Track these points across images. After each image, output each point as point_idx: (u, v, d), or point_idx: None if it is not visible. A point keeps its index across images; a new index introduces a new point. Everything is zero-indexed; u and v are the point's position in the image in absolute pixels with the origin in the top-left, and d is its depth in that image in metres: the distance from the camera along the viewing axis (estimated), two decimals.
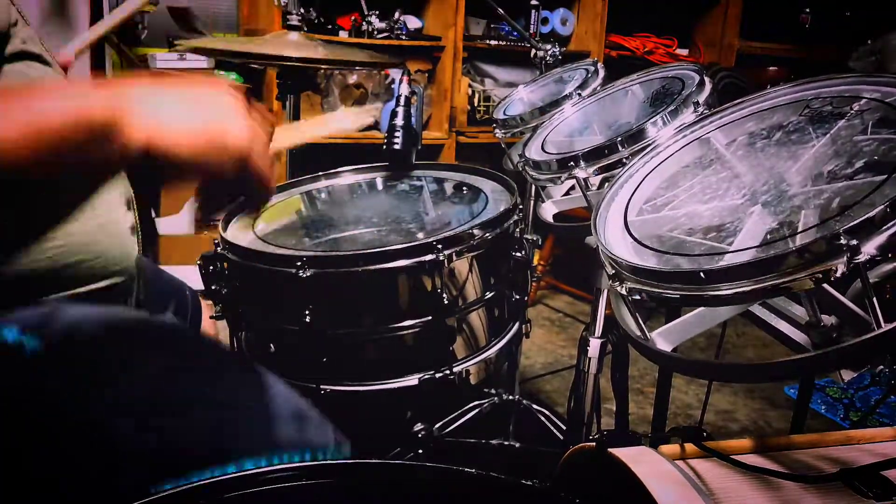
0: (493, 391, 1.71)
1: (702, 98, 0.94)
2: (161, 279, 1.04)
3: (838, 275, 0.51)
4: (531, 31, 2.96)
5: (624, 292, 0.66)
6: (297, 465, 0.51)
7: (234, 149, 0.61)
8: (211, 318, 1.19)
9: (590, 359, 1.21)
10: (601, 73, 1.30)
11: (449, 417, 1.61)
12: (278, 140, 0.73)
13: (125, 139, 0.57)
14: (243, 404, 0.74)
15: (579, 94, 1.24)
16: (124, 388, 0.69)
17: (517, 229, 1.20)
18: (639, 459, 0.65)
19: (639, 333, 0.71)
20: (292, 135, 0.84)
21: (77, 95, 0.59)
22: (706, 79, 0.98)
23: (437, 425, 1.52)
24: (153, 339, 0.76)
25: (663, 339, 0.72)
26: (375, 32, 2.73)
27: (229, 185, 0.67)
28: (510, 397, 1.71)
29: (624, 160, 0.92)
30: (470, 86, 3.01)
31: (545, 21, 3.12)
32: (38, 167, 0.55)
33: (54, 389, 0.67)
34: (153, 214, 2.65)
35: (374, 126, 2.86)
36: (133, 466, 0.66)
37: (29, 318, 0.70)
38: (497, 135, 1.37)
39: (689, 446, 0.71)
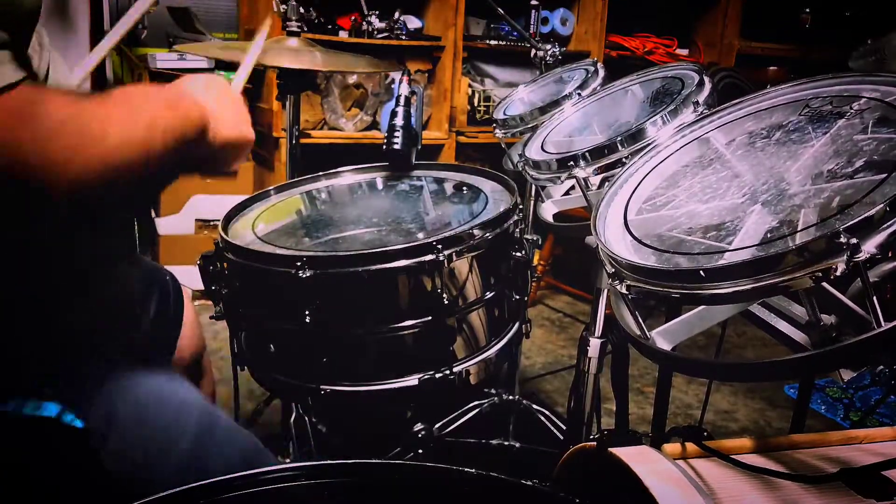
0: (493, 391, 1.71)
1: (701, 98, 0.94)
2: (142, 268, 1.04)
3: (838, 273, 0.51)
4: (531, 31, 2.96)
5: (624, 291, 0.66)
6: (297, 465, 0.51)
7: (246, 147, 0.79)
8: (211, 317, 1.19)
9: (590, 359, 1.21)
10: (601, 73, 1.30)
11: (449, 417, 1.61)
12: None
13: (207, 137, 0.72)
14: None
15: (579, 94, 1.24)
16: (157, 468, 0.72)
17: (517, 229, 1.20)
18: (639, 459, 0.65)
19: (639, 333, 0.71)
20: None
21: (171, 101, 0.69)
22: (706, 78, 0.98)
23: (437, 425, 1.52)
24: (184, 420, 0.77)
25: (663, 338, 0.72)
26: (375, 32, 2.73)
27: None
28: (510, 397, 1.70)
29: (624, 160, 0.92)
30: (470, 86, 3.01)
31: (545, 21, 3.12)
32: (159, 170, 0.64)
33: (93, 465, 0.70)
34: (153, 214, 2.65)
35: (374, 126, 2.86)
36: None
37: (70, 395, 0.72)
38: (497, 135, 1.37)
39: (690, 446, 0.71)
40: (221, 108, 0.74)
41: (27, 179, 0.52)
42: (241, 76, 0.95)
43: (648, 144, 0.90)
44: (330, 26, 2.71)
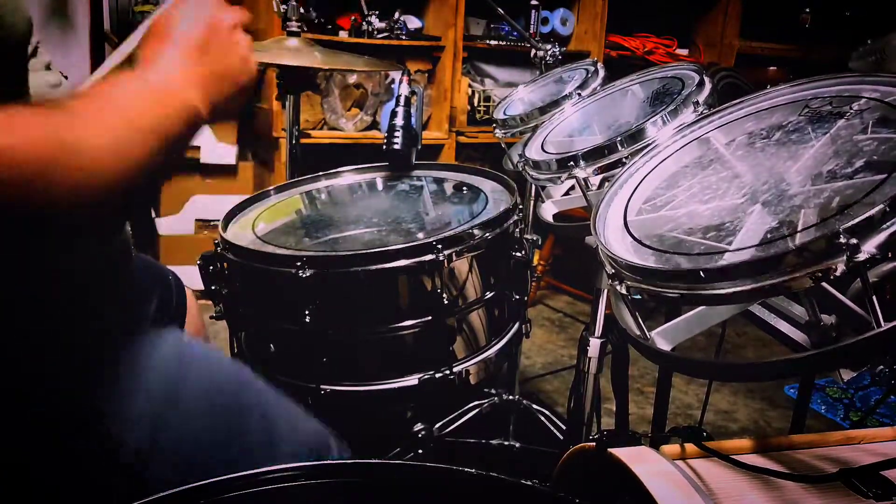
0: (493, 391, 1.71)
1: (701, 98, 0.94)
2: (144, 267, 1.04)
3: (838, 274, 0.51)
4: (531, 31, 2.96)
5: (623, 291, 0.66)
6: (297, 465, 0.51)
7: (249, 81, 0.71)
8: (211, 317, 1.19)
9: (590, 359, 1.21)
10: (601, 73, 1.30)
11: (449, 417, 1.61)
12: None
13: (199, 113, 0.64)
14: (247, 415, 0.76)
15: (579, 94, 1.24)
16: (133, 399, 0.71)
17: (517, 229, 1.20)
18: (639, 459, 0.65)
19: (638, 333, 0.71)
20: None
21: (154, 87, 0.62)
22: (706, 79, 0.98)
23: (437, 425, 1.52)
24: (160, 353, 0.77)
25: (663, 338, 0.72)
26: (375, 32, 2.72)
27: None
28: (510, 397, 1.70)
29: (624, 160, 0.92)
30: (470, 86, 3.01)
31: (545, 21, 3.12)
32: (149, 165, 0.58)
33: (114, 436, 0.69)
34: (153, 214, 2.65)
35: (374, 126, 2.86)
36: (136, 474, 0.67)
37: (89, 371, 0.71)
38: (497, 135, 1.37)
39: (689, 446, 0.71)
40: (210, 62, 0.66)
41: (7, 205, 0.48)
42: None
43: (648, 145, 0.90)
44: (330, 26, 2.71)
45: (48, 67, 0.86)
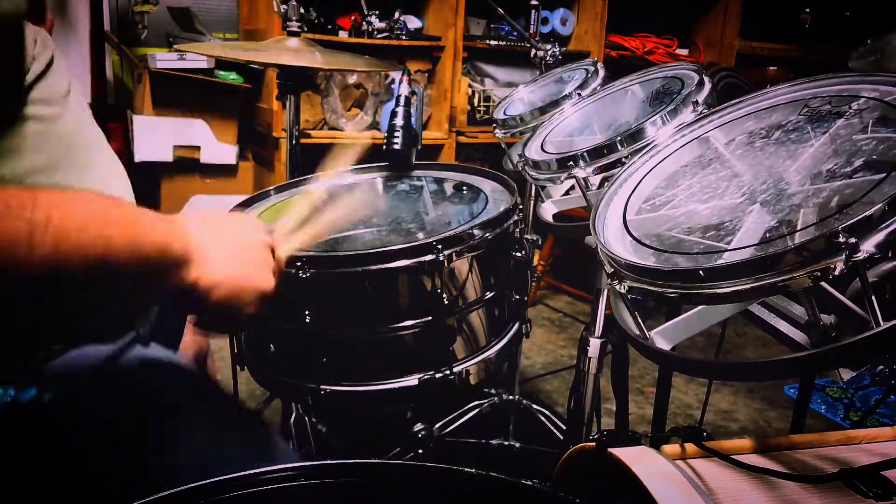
0: (493, 391, 1.71)
1: (701, 97, 0.94)
2: None
3: (837, 273, 0.51)
4: (531, 31, 2.96)
5: (623, 291, 0.66)
6: (297, 465, 0.51)
7: (254, 300, 0.68)
8: None
9: (590, 359, 1.21)
10: (601, 72, 1.30)
11: (449, 417, 1.61)
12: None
13: (185, 275, 0.63)
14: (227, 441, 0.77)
15: (579, 94, 1.24)
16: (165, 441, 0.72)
17: (517, 229, 1.20)
18: (639, 459, 0.65)
19: (638, 333, 0.71)
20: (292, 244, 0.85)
21: (157, 227, 0.62)
22: (706, 78, 0.98)
23: (437, 425, 1.52)
24: (190, 395, 0.79)
25: (663, 338, 0.72)
26: (375, 32, 2.73)
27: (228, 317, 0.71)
28: (510, 397, 1.70)
29: (623, 159, 0.92)
30: (470, 86, 3.01)
31: (545, 21, 3.12)
32: (99, 278, 0.57)
33: (109, 441, 0.70)
34: None
35: (374, 126, 2.85)
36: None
37: (85, 377, 0.73)
38: (497, 135, 1.37)
39: (689, 446, 0.71)
40: (217, 249, 0.66)
41: None
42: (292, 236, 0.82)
43: (648, 144, 0.90)
44: (330, 26, 2.71)
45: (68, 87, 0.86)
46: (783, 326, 0.75)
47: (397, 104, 1.40)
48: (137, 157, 2.48)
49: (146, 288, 0.64)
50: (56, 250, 0.52)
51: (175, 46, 2.51)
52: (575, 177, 0.96)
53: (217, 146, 2.59)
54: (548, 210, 1.23)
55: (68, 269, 0.54)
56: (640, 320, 0.71)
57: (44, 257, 0.52)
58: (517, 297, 1.22)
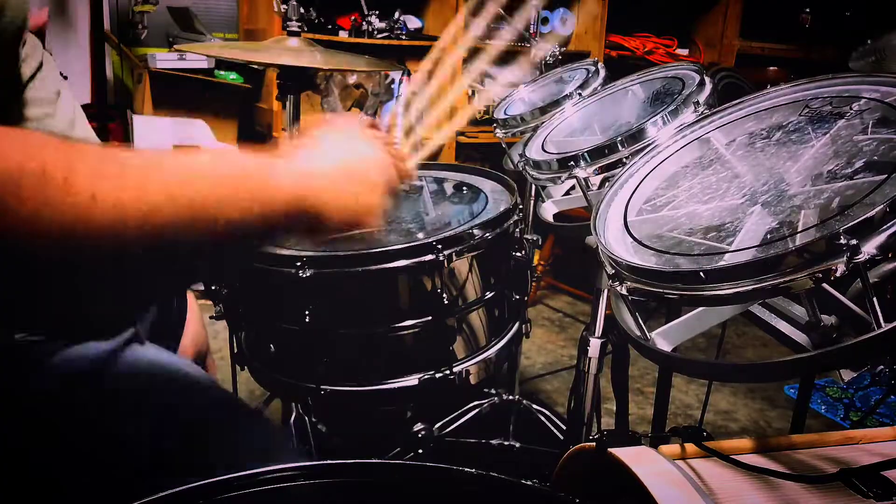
0: (493, 391, 1.71)
1: (702, 98, 0.94)
2: None
3: (838, 274, 0.51)
4: (531, 31, 2.96)
5: (624, 292, 0.66)
6: (297, 465, 0.51)
7: (375, 216, 0.67)
8: (211, 318, 1.19)
9: (590, 359, 1.21)
10: (602, 72, 1.30)
11: (449, 417, 1.61)
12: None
13: (309, 222, 0.60)
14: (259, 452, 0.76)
15: (580, 94, 1.24)
16: (162, 435, 0.72)
17: (517, 229, 1.20)
18: (639, 459, 0.65)
19: (639, 333, 0.71)
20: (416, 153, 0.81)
21: (284, 182, 0.58)
22: (706, 79, 0.98)
23: (437, 425, 1.52)
24: (188, 391, 0.78)
25: (663, 338, 0.72)
26: (375, 32, 2.72)
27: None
28: (510, 397, 1.70)
29: (624, 160, 0.92)
30: (470, 86, 3.01)
31: (545, 21, 3.12)
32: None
33: (108, 435, 0.70)
34: None
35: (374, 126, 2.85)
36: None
37: (85, 370, 0.72)
38: (497, 135, 1.37)
39: (689, 446, 0.71)
40: (341, 184, 0.63)
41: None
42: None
43: (649, 145, 0.90)
44: (330, 26, 2.71)
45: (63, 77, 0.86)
46: (784, 327, 0.75)
47: (397, 104, 1.39)
48: None
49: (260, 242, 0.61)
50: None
51: (175, 46, 2.51)
52: (576, 177, 0.96)
53: (217, 146, 2.58)
54: (548, 210, 1.23)
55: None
56: (640, 321, 0.71)
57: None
58: (517, 297, 1.22)
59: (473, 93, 3.01)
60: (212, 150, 0.56)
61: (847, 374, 2.25)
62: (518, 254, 1.19)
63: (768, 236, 0.61)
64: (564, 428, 1.54)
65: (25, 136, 0.48)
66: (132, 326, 0.81)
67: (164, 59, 2.49)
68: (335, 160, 0.64)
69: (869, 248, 0.51)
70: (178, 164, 0.53)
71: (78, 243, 0.46)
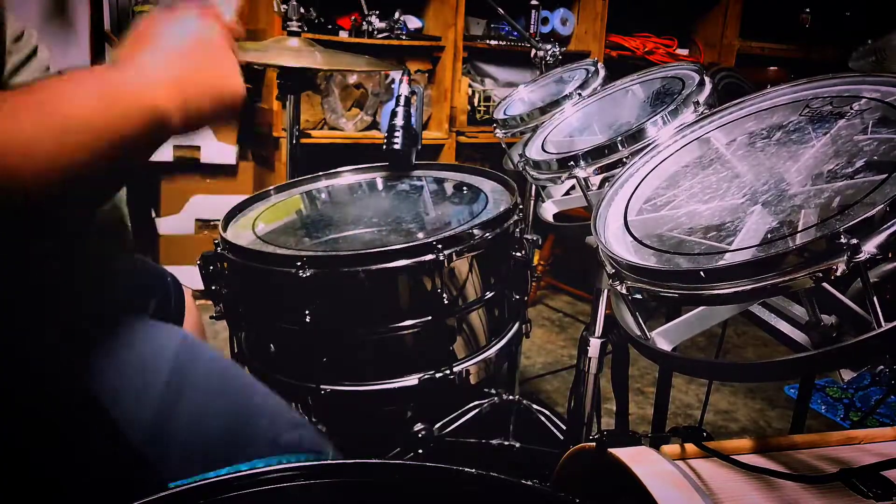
0: (493, 391, 1.71)
1: (702, 98, 0.94)
2: (142, 269, 1.04)
3: (838, 274, 0.51)
4: (531, 31, 2.96)
5: (624, 292, 0.66)
6: (297, 465, 0.51)
7: (237, 96, 0.65)
8: (211, 317, 1.19)
9: (590, 359, 1.21)
10: (602, 72, 1.30)
11: (449, 417, 1.61)
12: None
13: (167, 119, 0.58)
14: (251, 415, 0.76)
15: (579, 94, 1.24)
16: (140, 393, 0.72)
17: (517, 229, 1.20)
18: (639, 459, 0.65)
19: (639, 333, 0.71)
20: None
21: (114, 86, 0.56)
22: (706, 78, 0.98)
23: (437, 425, 1.52)
24: (167, 350, 0.78)
25: (663, 338, 0.72)
26: (375, 32, 2.73)
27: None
28: (510, 397, 1.70)
29: (624, 160, 0.92)
30: (470, 86, 3.01)
31: (545, 21, 3.12)
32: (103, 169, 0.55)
33: (113, 428, 0.69)
34: (153, 214, 2.65)
35: (374, 126, 2.85)
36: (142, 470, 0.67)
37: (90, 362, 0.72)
38: (497, 135, 1.37)
39: (689, 446, 0.71)
40: (193, 71, 0.61)
41: None
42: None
43: (649, 144, 0.90)
44: (330, 26, 2.72)
45: (47, 69, 0.86)
46: (784, 327, 0.75)
47: (397, 104, 1.40)
48: None
49: (140, 151, 0.59)
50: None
51: None
52: (576, 177, 0.96)
53: (217, 146, 2.58)
54: (548, 210, 1.22)
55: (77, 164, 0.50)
56: (640, 321, 0.71)
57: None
58: (517, 297, 1.22)
59: (474, 92, 3.02)
60: (77, 73, 0.57)
61: (847, 374, 2.25)
62: (518, 254, 1.19)
63: (768, 236, 0.61)
64: (564, 428, 1.54)
65: None
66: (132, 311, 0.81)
67: None
68: (178, 49, 0.62)
69: (869, 247, 0.51)
70: (52, 92, 0.53)
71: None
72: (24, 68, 0.75)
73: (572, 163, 0.96)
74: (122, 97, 0.56)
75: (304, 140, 1.68)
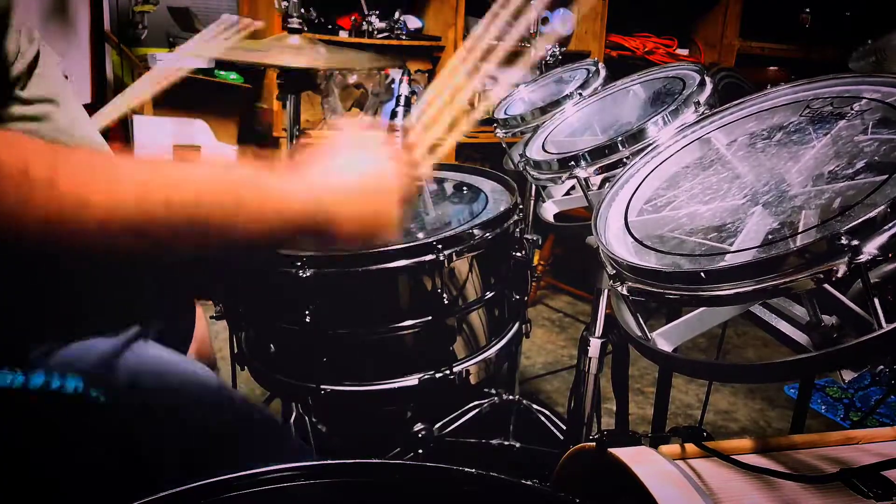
0: (493, 391, 1.71)
1: (702, 98, 0.94)
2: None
3: (839, 275, 0.51)
4: (531, 31, 2.95)
5: (624, 292, 0.66)
6: (297, 465, 0.51)
7: (391, 229, 0.66)
8: (211, 317, 1.19)
9: (590, 359, 1.21)
10: (602, 72, 1.30)
11: (449, 417, 1.61)
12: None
13: (321, 235, 0.61)
14: (265, 451, 0.78)
15: (580, 94, 1.24)
16: (170, 434, 0.73)
17: (517, 229, 1.20)
18: (639, 459, 0.65)
19: (639, 333, 0.71)
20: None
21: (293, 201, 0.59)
22: (707, 79, 0.98)
23: (437, 425, 1.52)
24: (195, 389, 0.79)
25: (664, 339, 0.72)
26: (375, 32, 2.72)
27: None
28: (510, 397, 1.70)
29: (625, 160, 0.92)
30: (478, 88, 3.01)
31: (545, 21, 3.12)
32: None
33: (115, 433, 0.70)
34: None
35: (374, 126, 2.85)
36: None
37: (92, 367, 0.72)
38: (497, 135, 1.37)
39: (689, 446, 0.71)
40: (351, 202, 0.62)
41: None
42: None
43: (649, 145, 0.90)
44: (330, 26, 2.71)
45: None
46: (784, 327, 0.74)
47: (397, 104, 1.39)
48: None
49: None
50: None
51: (175, 47, 2.51)
52: (576, 177, 0.96)
53: (217, 146, 2.58)
54: (549, 210, 1.22)
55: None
56: (641, 321, 0.71)
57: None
58: (517, 297, 1.22)
59: (478, 94, 3.01)
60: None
61: (848, 375, 2.25)
62: (518, 254, 1.19)
63: (769, 237, 0.61)
64: (564, 428, 1.54)
65: (11, 138, 0.50)
66: (136, 324, 0.81)
67: (164, 59, 2.48)
68: (349, 174, 0.64)
69: (870, 248, 0.51)
70: (177, 173, 0.55)
71: (63, 241, 0.48)
72: (31, 77, 0.74)
73: (573, 163, 0.96)
74: (287, 209, 0.59)
75: (304, 140, 1.68)
